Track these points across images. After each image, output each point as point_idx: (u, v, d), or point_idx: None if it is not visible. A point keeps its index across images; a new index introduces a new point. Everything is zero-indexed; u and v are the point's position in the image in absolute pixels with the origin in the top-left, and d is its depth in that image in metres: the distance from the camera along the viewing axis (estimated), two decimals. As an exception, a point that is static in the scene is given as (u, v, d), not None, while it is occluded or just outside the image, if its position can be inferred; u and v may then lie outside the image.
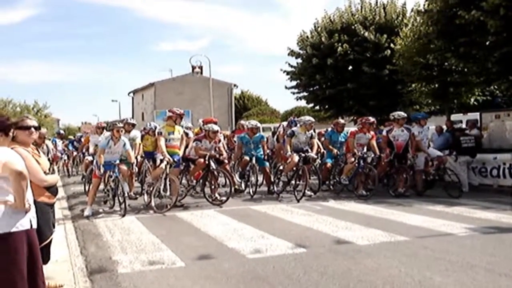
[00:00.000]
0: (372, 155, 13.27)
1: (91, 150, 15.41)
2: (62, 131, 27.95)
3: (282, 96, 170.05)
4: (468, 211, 10.67)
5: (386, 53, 24.81)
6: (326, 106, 29.92)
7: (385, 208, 11.34)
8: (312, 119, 14.03)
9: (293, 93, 30.38)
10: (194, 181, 12.98)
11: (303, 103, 33.72)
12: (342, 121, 15.60)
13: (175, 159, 11.83)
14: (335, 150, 14.33)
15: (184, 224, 9.93)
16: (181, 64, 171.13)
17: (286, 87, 30.47)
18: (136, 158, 13.01)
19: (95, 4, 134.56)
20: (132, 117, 53.81)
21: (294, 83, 29.93)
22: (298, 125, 14.11)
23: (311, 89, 29.39)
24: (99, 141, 13.89)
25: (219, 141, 13.23)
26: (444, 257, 6.72)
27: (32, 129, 5.01)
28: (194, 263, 6.84)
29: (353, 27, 26.58)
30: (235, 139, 16.97)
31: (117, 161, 11.52)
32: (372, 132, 13.96)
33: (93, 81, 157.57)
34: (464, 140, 14.68)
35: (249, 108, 65.06)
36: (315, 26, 28.84)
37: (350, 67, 26.91)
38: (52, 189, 5.19)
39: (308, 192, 13.09)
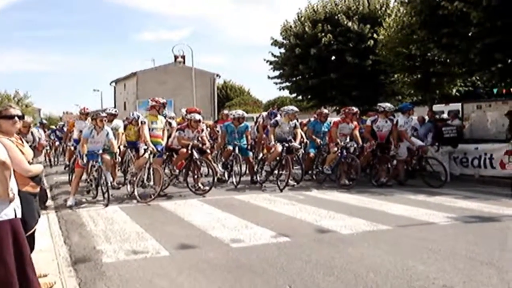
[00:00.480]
0: (355, 145, 13.32)
1: (75, 135, 15.28)
2: (44, 121, 27.70)
3: (265, 86, 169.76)
4: (449, 201, 10.77)
5: (369, 43, 24.93)
6: (309, 96, 30.03)
7: (368, 197, 11.42)
8: (296, 109, 14.06)
9: (276, 83, 30.46)
10: (177, 170, 12.92)
11: (286, 93, 33.81)
12: (325, 111, 15.55)
13: (158, 149, 11.88)
14: (318, 140, 14.30)
15: (168, 214, 9.94)
16: (163, 54, 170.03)
17: (269, 77, 30.53)
18: (119, 147, 12.94)
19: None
20: (115, 107, 53.52)
21: (277, 73, 29.99)
22: (281, 114, 14.17)
23: (294, 79, 29.45)
24: (84, 127, 13.85)
25: (202, 130, 13.23)
26: (426, 246, 6.79)
27: (16, 118, 4.97)
28: (178, 252, 6.86)
29: (336, 17, 26.65)
30: (217, 128, 16.94)
31: (100, 151, 11.46)
32: (355, 122, 13.98)
33: (74, 70, 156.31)
34: (446, 131, 14.83)
35: (232, 98, 64.97)
36: (298, 16, 28.85)
37: (333, 57, 26.98)
38: (36, 179, 5.15)
39: (291, 182, 13.13)
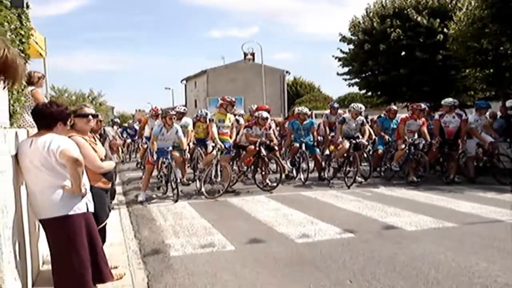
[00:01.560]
0: (423, 142, 13.17)
1: (147, 133, 15.73)
2: (117, 119, 28.57)
3: (334, 82, 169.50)
4: (520, 198, 10.54)
5: (439, 38, 24.43)
6: (379, 92, 29.70)
7: (435, 194, 11.30)
8: (360, 106, 13.98)
9: (345, 80, 30.27)
10: (245, 167, 13.19)
11: (355, 89, 33.55)
12: (394, 107, 15.44)
13: (226, 146, 12.11)
14: (386, 137, 14.23)
15: (235, 209, 10.15)
16: (232, 51, 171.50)
17: (338, 74, 30.41)
18: (188, 144, 13.26)
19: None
20: (185, 104, 54.60)
21: (346, 69, 29.84)
22: (349, 111, 14.17)
23: (363, 75, 29.25)
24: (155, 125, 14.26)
25: (270, 127, 13.36)
26: (491, 244, 6.74)
27: (90, 117, 5.28)
28: (244, 247, 7.04)
29: (405, 11, 26.25)
30: (287, 125, 17.08)
31: (170, 148, 11.78)
32: (423, 119, 13.74)
33: (145, 69, 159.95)
34: (517, 126, 14.46)
35: (302, 94, 64.82)
36: (367, 12, 28.59)
37: (403, 53, 26.61)
38: (108, 175, 5.44)
39: (358, 179, 13.14)
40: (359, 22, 28.57)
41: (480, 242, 6.87)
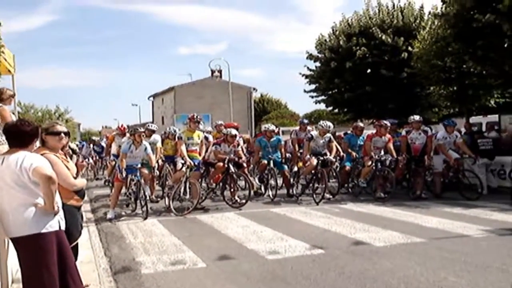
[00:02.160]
0: (390, 158, 13.35)
1: (114, 151, 15.67)
2: (94, 138, 28.35)
3: (301, 99, 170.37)
4: (485, 213, 10.73)
5: (404, 56, 24.83)
6: (345, 109, 29.98)
7: (403, 210, 11.44)
8: (329, 125, 14.07)
9: (312, 97, 30.46)
10: (214, 184, 13.18)
11: (322, 106, 33.79)
12: (360, 124, 15.64)
13: (195, 163, 12.11)
14: (353, 153, 14.41)
15: (205, 226, 10.14)
16: (199, 68, 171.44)
17: (305, 91, 30.60)
18: (157, 162, 13.27)
19: (112, 9, 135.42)
20: (153, 121, 54.37)
21: (313, 86, 30.01)
22: (317, 129, 14.35)
23: (330, 92, 29.45)
24: (123, 142, 14.19)
25: (238, 144, 13.44)
26: (459, 258, 6.86)
27: (62, 134, 5.26)
28: (215, 264, 7.05)
29: (371, 30, 26.62)
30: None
31: (139, 165, 11.76)
32: (388, 135, 13.91)
33: (112, 85, 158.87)
34: (481, 143, 14.74)
35: (269, 111, 65.16)
36: (333, 30, 28.90)
37: (369, 70, 26.91)
38: (80, 193, 5.42)
39: (327, 195, 13.21)
40: (325, 40, 28.87)
41: (448, 257, 6.98)
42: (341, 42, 27.26)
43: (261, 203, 13.16)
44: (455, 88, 21.69)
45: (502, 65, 16.35)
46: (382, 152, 13.75)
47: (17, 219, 4.44)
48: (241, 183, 13.73)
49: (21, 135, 4.64)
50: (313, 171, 13.47)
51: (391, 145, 13.77)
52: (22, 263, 4.59)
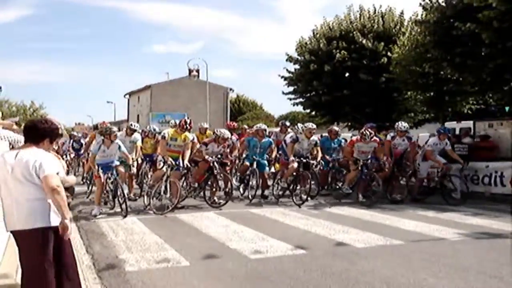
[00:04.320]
0: (375, 161, 13.56)
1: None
2: (75, 133, 27.77)
3: (277, 100, 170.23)
4: (460, 217, 10.96)
5: (383, 61, 25.07)
6: (322, 112, 30.13)
7: (381, 213, 11.61)
8: (312, 125, 14.11)
9: (290, 99, 30.55)
10: (197, 184, 13.08)
11: (300, 108, 33.93)
12: (335, 128, 15.90)
13: (176, 162, 12.07)
14: (327, 157, 14.55)
15: (185, 226, 10.20)
16: (175, 67, 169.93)
17: (283, 93, 30.64)
18: (136, 160, 13.25)
19: (87, 5, 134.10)
20: (128, 119, 53.99)
21: (291, 88, 30.12)
22: (302, 131, 14.24)
23: (308, 95, 29.54)
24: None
25: (228, 146, 13.51)
26: (437, 260, 7.03)
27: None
28: (199, 263, 7.13)
29: (351, 34, 26.80)
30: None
31: (115, 163, 11.81)
32: (375, 139, 13.90)
33: (87, 82, 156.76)
34: (457, 148, 15.01)
35: (244, 112, 65.27)
36: (314, 33, 29.03)
37: (347, 74, 27.11)
38: (70, 190, 5.47)
39: (305, 197, 13.17)
40: (306, 43, 29.01)
41: (426, 259, 7.16)
42: (321, 45, 27.40)
43: (240, 203, 13.22)
44: (432, 93, 21.99)
45: (479, 72, 16.67)
46: (369, 156, 13.67)
47: (22, 212, 4.51)
48: (221, 182, 13.64)
49: (33, 131, 4.77)
50: (294, 173, 13.51)
51: (381, 148, 13.85)
52: (24, 257, 4.64)
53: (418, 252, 7.62)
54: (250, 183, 14.01)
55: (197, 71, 48.33)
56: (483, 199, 13.91)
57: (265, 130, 14.31)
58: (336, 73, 26.66)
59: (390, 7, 27.90)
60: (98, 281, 6.32)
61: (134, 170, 13.50)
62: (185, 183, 13.41)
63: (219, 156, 12.89)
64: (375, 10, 28.06)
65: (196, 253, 7.60)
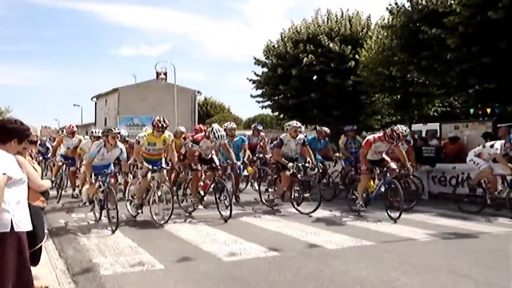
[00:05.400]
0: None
1: (62, 151, 15.40)
2: (43, 138, 27.39)
3: (245, 103, 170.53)
4: (428, 218, 11.17)
5: (350, 64, 25.40)
6: (290, 115, 30.27)
7: (351, 215, 11.74)
8: (296, 122, 12.78)
9: (258, 102, 30.74)
10: (203, 192, 11.85)
11: (267, 111, 34.14)
12: (326, 129, 15.10)
13: (157, 165, 11.17)
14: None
15: (156, 228, 10.18)
16: (143, 69, 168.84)
17: (251, 96, 30.82)
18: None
19: (53, 7, 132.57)
20: (95, 123, 53.50)
21: (259, 91, 30.28)
22: (287, 130, 12.69)
23: (276, 98, 29.76)
24: (71, 144, 13.92)
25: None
26: (408, 260, 7.18)
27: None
28: (173, 265, 7.15)
29: (318, 38, 27.08)
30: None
31: (111, 169, 11.00)
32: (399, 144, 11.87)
33: (53, 85, 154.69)
34: (425, 150, 15.27)
35: (212, 115, 65.34)
36: (281, 36, 29.27)
37: (315, 77, 27.41)
38: (45, 194, 5.46)
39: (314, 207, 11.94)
40: (273, 46, 29.21)
41: (398, 259, 7.30)
42: (288, 49, 27.64)
43: (210, 207, 13.13)
44: (398, 96, 22.38)
45: (445, 76, 17.01)
46: (385, 156, 12.00)
47: None
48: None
49: (1, 131, 4.72)
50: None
51: (400, 149, 12.06)
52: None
53: (390, 253, 7.76)
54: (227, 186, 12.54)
55: (165, 74, 48.27)
56: (451, 200, 14.11)
57: (234, 129, 14.17)
58: (303, 77, 26.97)
59: (357, 11, 28.55)
60: (73, 285, 6.29)
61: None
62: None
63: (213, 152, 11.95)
64: (342, 14, 28.49)
65: (170, 256, 7.61)
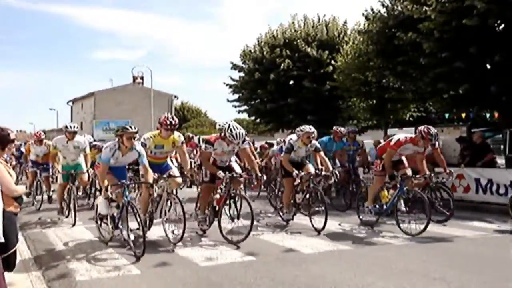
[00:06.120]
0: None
1: (32, 157, 14.78)
2: (20, 142, 26.82)
3: (221, 108, 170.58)
4: (404, 222, 11.25)
5: (327, 69, 25.50)
6: (267, 120, 30.37)
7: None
8: (310, 127, 10.89)
9: (235, 106, 30.77)
10: (217, 207, 9.53)
11: (243, 115, 34.23)
12: (342, 129, 14.13)
13: (163, 169, 9.78)
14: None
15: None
16: (119, 73, 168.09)
17: (228, 100, 30.85)
18: (87, 171, 12.24)
19: (28, 10, 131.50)
20: (71, 127, 53.08)
21: (236, 96, 30.31)
22: (296, 137, 10.90)
23: (253, 102, 29.82)
24: (40, 152, 13.56)
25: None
26: (383, 264, 7.26)
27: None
28: (150, 271, 7.13)
29: (295, 43, 27.20)
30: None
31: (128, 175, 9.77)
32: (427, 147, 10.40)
33: (28, 88, 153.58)
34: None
35: (189, 119, 65.27)
36: (258, 41, 29.33)
37: (292, 82, 27.48)
38: (19, 199, 5.42)
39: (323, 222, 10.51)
40: (250, 51, 29.25)
41: (373, 263, 7.37)
42: (265, 53, 27.70)
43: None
44: (374, 101, 22.55)
45: (419, 81, 17.20)
46: (403, 158, 10.81)
47: None
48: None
49: None
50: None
51: (438, 152, 10.74)
52: None
53: (365, 257, 7.82)
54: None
55: (142, 78, 48.33)
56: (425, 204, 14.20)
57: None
58: (280, 81, 27.03)
59: (334, 16, 28.70)
60: (49, 291, 6.26)
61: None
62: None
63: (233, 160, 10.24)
64: (319, 19, 28.65)
65: (145, 262, 7.57)
